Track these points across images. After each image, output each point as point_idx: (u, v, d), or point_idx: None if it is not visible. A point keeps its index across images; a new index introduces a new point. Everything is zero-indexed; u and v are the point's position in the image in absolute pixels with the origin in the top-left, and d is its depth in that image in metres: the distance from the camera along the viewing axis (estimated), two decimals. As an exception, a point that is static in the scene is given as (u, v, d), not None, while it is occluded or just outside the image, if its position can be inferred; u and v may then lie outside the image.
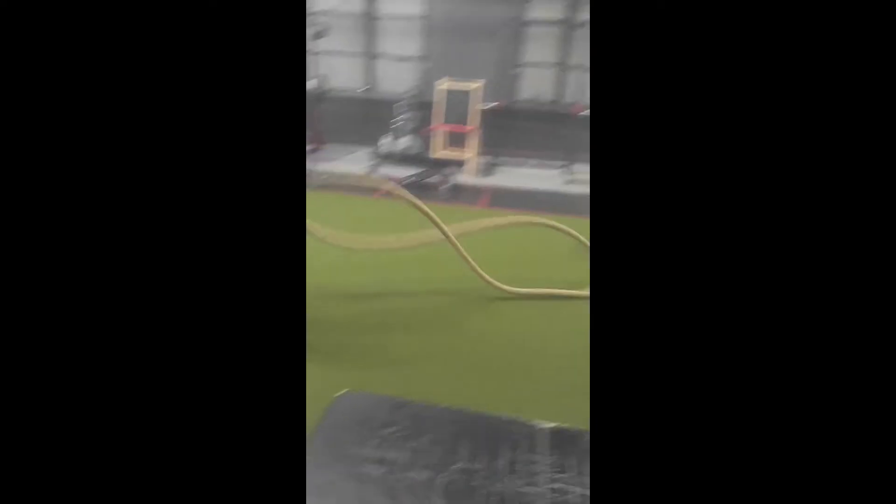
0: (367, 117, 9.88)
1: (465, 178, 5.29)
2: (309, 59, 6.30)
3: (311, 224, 2.21)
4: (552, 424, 1.47)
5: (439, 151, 5.91)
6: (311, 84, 5.72)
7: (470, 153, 5.70)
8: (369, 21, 13.56)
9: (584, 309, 2.07)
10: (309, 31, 7.02)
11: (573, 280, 2.30)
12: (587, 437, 1.40)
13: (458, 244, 2.03)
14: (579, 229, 2.34)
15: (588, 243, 2.45)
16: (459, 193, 3.06)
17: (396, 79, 12.34)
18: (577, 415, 1.56)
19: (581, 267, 2.32)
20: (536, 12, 13.01)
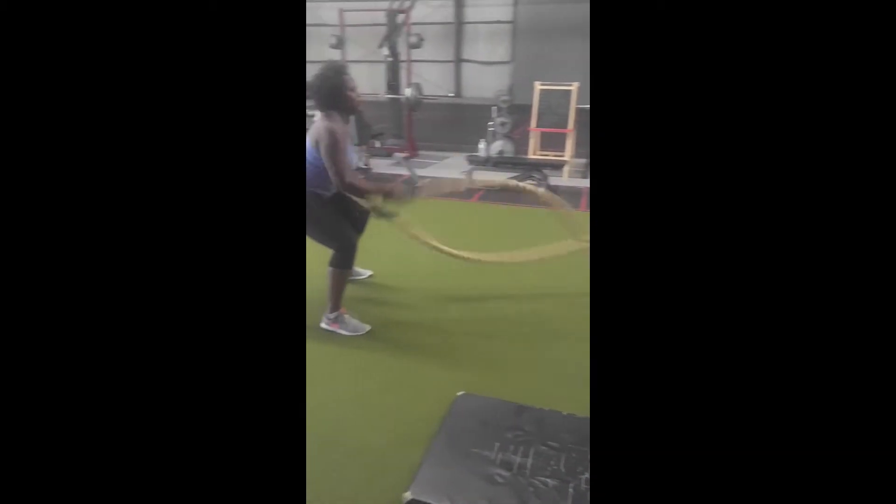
0: (456, 122, 10.02)
1: (562, 180, 5.26)
2: (403, 68, 6.54)
3: (444, 248, 2.65)
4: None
5: (534, 153, 5.87)
6: (406, 92, 5.86)
7: (567, 155, 5.62)
8: (459, 28, 13.53)
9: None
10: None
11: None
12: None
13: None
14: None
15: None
16: (557, 195, 3.17)
17: (483, 84, 12.53)
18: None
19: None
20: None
